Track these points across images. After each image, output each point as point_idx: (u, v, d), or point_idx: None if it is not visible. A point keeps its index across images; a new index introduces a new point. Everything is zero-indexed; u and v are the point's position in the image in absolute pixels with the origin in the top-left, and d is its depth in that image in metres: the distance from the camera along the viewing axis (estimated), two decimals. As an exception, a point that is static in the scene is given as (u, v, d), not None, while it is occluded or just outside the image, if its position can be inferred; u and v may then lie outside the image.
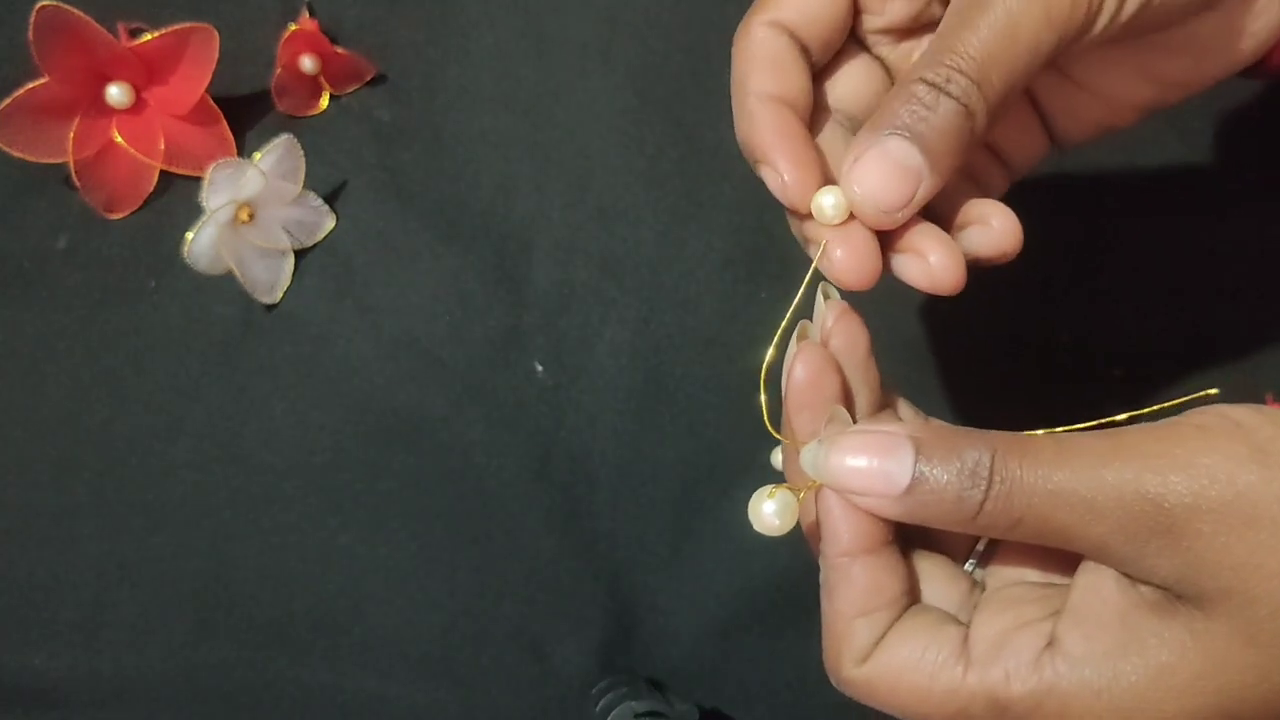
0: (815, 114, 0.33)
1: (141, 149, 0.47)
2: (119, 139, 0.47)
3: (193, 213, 0.46)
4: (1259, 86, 0.51)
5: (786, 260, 0.50)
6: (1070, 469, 0.27)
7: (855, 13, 0.34)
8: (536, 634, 0.48)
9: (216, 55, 0.46)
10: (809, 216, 0.31)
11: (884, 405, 0.32)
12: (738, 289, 0.50)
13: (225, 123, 0.48)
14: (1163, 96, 0.36)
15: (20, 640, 0.46)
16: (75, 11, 0.44)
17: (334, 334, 0.49)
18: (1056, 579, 0.31)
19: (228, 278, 0.47)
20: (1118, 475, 0.26)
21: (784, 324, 0.31)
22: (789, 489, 0.29)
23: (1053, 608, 0.29)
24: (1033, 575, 0.32)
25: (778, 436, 0.31)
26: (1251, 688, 0.26)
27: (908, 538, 0.31)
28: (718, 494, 0.49)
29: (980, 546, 0.33)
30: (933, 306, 0.50)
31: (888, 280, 0.31)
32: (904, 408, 0.33)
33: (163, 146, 0.48)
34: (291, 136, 0.47)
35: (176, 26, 0.46)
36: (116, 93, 0.46)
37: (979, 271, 0.32)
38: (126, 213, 0.48)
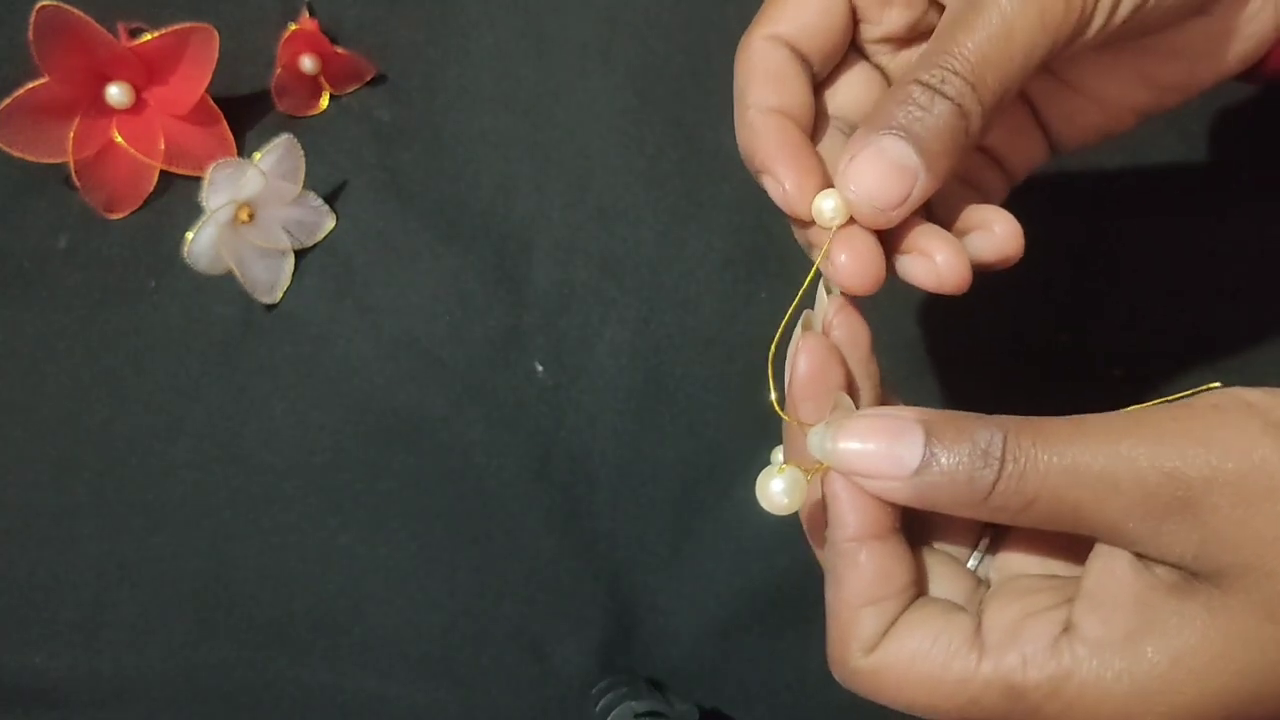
0: (816, 122, 0.33)
1: (141, 149, 0.48)
2: (119, 139, 0.47)
3: (193, 213, 0.46)
4: (1258, 88, 0.51)
5: (786, 260, 0.50)
6: (1085, 445, 0.26)
7: (854, 22, 0.34)
8: (536, 634, 0.48)
9: (216, 55, 0.46)
10: (812, 224, 0.31)
11: (884, 402, 0.32)
12: (738, 289, 0.50)
13: (225, 123, 0.48)
14: (1159, 100, 0.36)
15: (20, 640, 0.46)
16: (75, 11, 0.44)
17: (334, 334, 0.49)
18: (1065, 570, 0.31)
19: (228, 278, 0.47)
20: (1134, 450, 0.26)
21: (786, 318, 0.31)
22: (798, 467, 0.29)
23: (1066, 595, 0.29)
24: (1040, 567, 0.31)
25: (785, 417, 0.30)
26: (1275, 665, 0.26)
27: (911, 534, 0.31)
28: (718, 494, 0.49)
29: (984, 542, 0.33)
30: (933, 306, 0.50)
31: (888, 280, 0.31)
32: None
33: (163, 146, 0.48)
34: (291, 136, 0.47)
35: (176, 26, 0.46)
36: (116, 93, 0.46)
37: (980, 274, 0.32)
38: (126, 213, 0.49)
